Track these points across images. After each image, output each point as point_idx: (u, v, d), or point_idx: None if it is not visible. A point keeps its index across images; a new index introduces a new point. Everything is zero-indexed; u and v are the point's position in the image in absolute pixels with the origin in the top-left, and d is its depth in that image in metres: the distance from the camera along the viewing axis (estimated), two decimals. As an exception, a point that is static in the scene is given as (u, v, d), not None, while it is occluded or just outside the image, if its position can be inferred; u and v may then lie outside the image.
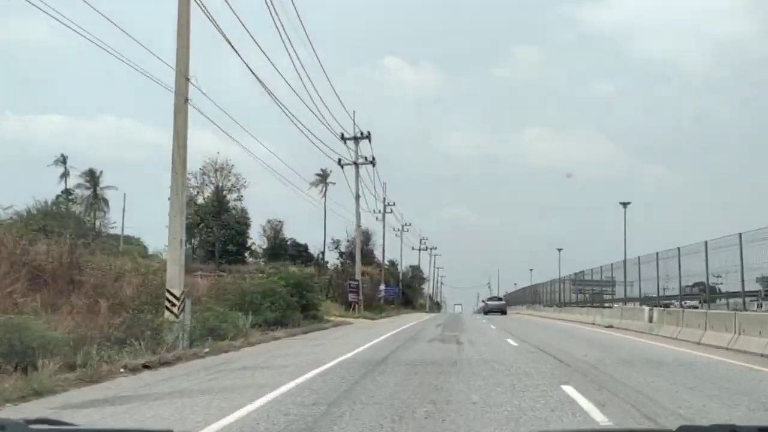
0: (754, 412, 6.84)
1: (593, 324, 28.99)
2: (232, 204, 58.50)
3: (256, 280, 24.52)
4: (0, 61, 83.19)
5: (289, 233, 71.89)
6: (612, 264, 34.66)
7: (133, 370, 9.55)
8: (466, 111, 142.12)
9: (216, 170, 56.18)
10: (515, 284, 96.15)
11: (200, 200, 57.18)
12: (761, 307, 20.72)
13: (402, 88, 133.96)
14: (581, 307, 38.05)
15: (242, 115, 47.07)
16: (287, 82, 22.86)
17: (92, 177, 66.15)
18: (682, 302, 24.21)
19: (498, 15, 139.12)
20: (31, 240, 17.25)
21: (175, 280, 14.30)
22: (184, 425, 5.72)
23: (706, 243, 21.59)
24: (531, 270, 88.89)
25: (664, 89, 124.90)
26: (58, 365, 9.22)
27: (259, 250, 69.81)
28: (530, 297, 63.50)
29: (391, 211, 63.02)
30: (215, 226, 56.24)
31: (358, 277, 41.35)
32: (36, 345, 9.89)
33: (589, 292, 40.92)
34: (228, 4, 16.78)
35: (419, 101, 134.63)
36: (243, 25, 17.95)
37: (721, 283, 23.05)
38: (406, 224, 73.58)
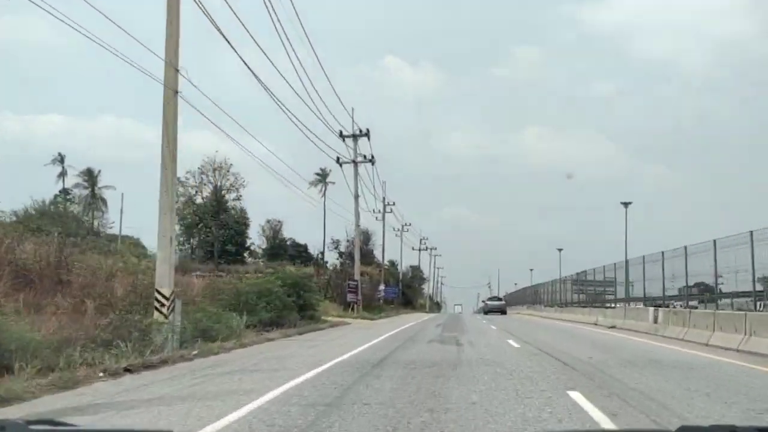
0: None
1: (596, 324, 28.45)
2: (230, 204, 58.04)
3: (251, 280, 23.98)
4: (0, 61, 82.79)
5: (288, 233, 71.50)
6: (615, 264, 34.15)
7: (114, 374, 9.01)
8: (466, 111, 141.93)
9: (214, 169, 55.69)
10: (515, 284, 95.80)
11: (199, 200, 56.72)
12: (766, 307, 20.43)
13: (402, 88, 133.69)
14: (583, 307, 37.51)
15: (242, 115, 46.66)
16: (284, 78, 22.46)
17: (90, 176, 65.70)
18: (687, 303, 23.71)
19: (498, 15, 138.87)
20: (18, 239, 16.75)
21: (164, 279, 13.80)
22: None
23: (714, 242, 21.08)
24: (531, 270, 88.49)
25: (664, 89, 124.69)
26: (37, 369, 8.72)
27: (259, 251, 69.34)
28: (531, 297, 63.07)
29: (391, 211, 62.53)
30: (214, 225, 55.72)
31: (357, 277, 40.80)
32: (14, 347, 9.40)
33: (591, 292, 40.42)
34: (227, 2, 16.45)
35: (419, 101, 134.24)
36: (242, 24, 17.70)
37: (722, 284, 22.88)
38: (406, 224, 73.13)
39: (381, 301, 52.91)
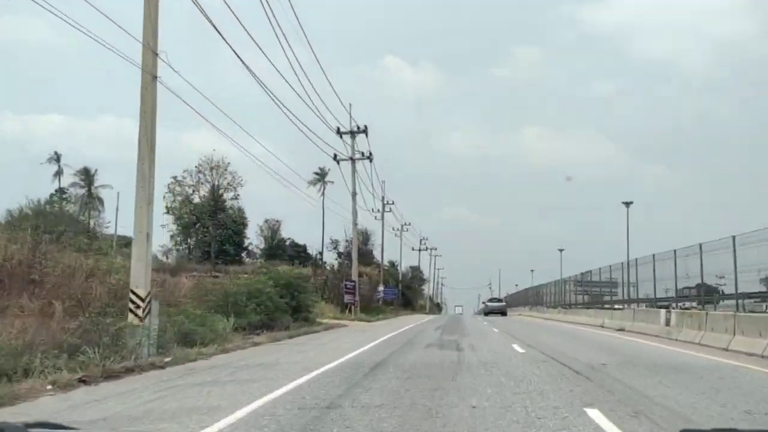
0: None
1: (602, 326, 27.31)
2: (228, 203, 57.01)
3: (241, 280, 22.86)
4: (0, 61, 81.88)
5: (287, 233, 70.58)
6: (622, 263, 33.03)
7: (65, 386, 7.88)
8: (466, 111, 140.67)
9: (212, 168, 54.70)
10: (516, 285, 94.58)
11: (196, 199, 55.70)
12: None
13: (402, 88, 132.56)
14: (588, 308, 36.36)
15: (240, 116, 45.61)
16: (281, 75, 21.36)
17: (87, 176, 64.70)
18: (703, 304, 22.67)
19: (498, 15, 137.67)
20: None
21: (140, 279, 12.72)
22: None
23: (734, 237, 20.04)
24: (532, 271, 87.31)
25: (664, 89, 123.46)
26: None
27: (257, 251, 68.34)
28: (532, 298, 62.02)
29: (391, 210, 61.47)
30: (211, 225, 54.71)
31: (354, 277, 39.65)
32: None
33: (596, 293, 39.31)
34: (225, 2, 15.55)
35: (419, 101, 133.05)
36: (240, 22, 16.81)
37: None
38: (405, 224, 72.02)
39: (380, 302, 51.77)
